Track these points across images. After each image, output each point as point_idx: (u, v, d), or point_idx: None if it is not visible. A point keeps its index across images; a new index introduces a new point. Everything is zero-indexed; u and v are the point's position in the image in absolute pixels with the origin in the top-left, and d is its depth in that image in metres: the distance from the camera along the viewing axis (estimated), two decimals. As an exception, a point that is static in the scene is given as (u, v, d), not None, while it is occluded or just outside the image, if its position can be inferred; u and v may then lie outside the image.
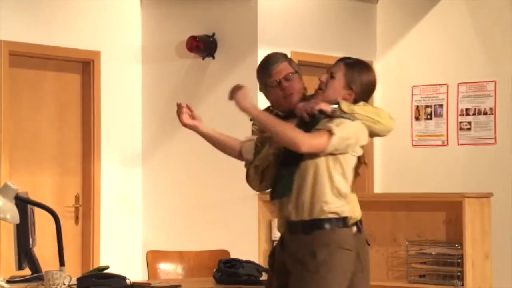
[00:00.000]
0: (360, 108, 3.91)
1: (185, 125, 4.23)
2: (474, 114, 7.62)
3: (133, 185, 7.53)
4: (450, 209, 6.09)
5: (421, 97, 7.88)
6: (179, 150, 7.36)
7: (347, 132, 3.81)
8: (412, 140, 7.92)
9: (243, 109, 3.88)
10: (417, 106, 7.90)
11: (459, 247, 5.93)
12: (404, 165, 7.92)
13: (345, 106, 3.88)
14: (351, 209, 3.88)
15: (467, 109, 7.66)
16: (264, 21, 7.16)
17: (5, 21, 6.72)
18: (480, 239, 6.02)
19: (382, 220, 6.36)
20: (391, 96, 8.04)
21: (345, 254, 3.81)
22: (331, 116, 3.85)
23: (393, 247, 6.32)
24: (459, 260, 5.92)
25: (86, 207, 7.26)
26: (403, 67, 8.00)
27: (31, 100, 7.02)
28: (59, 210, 5.43)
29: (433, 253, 6.07)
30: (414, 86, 7.93)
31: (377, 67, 8.11)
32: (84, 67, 7.33)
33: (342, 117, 3.83)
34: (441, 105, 7.79)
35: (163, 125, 7.50)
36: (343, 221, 3.83)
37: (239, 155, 4.18)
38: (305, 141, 3.78)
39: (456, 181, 7.56)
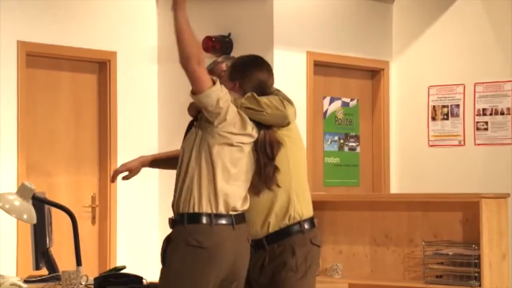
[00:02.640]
0: (246, 100, 3.90)
1: (124, 178, 4.27)
2: (491, 114, 7.59)
3: (150, 185, 7.53)
4: (467, 209, 6.06)
5: (438, 97, 7.86)
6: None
7: (226, 99, 3.79)
8: (428, 140, 7.89)
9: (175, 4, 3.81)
10: (434, 106, 7.88)
11: (476, 248, 5.90)
12: (421, 165, 7.89)
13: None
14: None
15: (484, 109, 7.63)
16: (280, 21, 7.15)
17: (22, 22, 6.74)
18: (497, 240, 5.99)
19: (399, 221, 6.34)
20: (407, 96, 8.02)
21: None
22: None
23: (409, 247, 6.30)
24: (476, 261, 5.90)
25: (102, 207, 7.27)
26: (420, 67, 7.98)
27: (47, 100, 7.04)
28: (75, 210, 5.44)
29: (450, 253, 6.04)
30: (430, 86, 7.90)
31: (393, 67, 8.10)
32: (101, 67, 7.34)
33: None
34: (457, 105, 7.76)
35: (179, 125, 7.46)
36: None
37: None
38: (195, 64, 3.72)
39: (472, 181, 7.53)
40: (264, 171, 3.88)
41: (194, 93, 3.77)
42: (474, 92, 7.68)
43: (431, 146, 7.88)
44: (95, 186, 7.28)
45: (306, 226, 3.94)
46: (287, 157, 3.96)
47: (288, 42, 7.11)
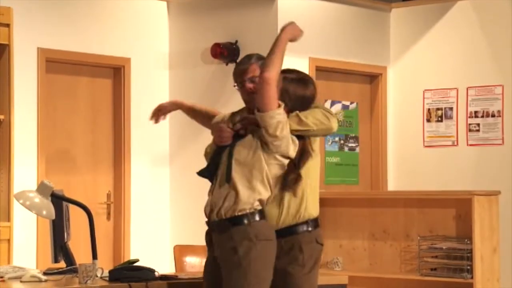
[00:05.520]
0: (292, 121, 3.83)
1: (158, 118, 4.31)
2: (482, 117, 7.58)
3: (161, 184, 7.55)
4: (460, 206, 6.05)
5: (432, 100, 7.85)
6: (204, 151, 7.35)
7: (287, 129, 3.76)
8: (424, 141, 7.89)
9: (283, 37, 3.93)
10: (429, 109, 7.87)
11: (468, 242, 5.89)
12: (416, 165, 7.89)
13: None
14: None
15: (476, 112, 7.62)
16: (284, 29, 7.14)
17: (42, 30, 6.76)
18: (488, 234, 5.98)
19: (396, 217, 6.34)
20: (404, 100, 8.02)
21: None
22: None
23: (406, 242, 6.29)
24: (468, 254, 5.89)
25: (117, 204, 7.28)
26: (415, 72, 7.97)
27: (66, 103, 7.06)
28: (92, 206, 5.45)
29: (444, 247, 6.03)
30: (425, 90, 7.90)
31: (391, 72, 8.10)
32: (115, 73, 7.35)
33: None
34: (451, 108, 7.75)
35: (189, 127, 7.48)
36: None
37: None
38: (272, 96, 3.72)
39: (465, 180, 7.52)
40: (287, 177, 3.84)
41: (259, 110, 3.74)
42: (467, 95, 7.67)
43: (426, 146, 7.88)
44: (110, 184, 7.29)
45: (313, 225, 3.92)
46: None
47: (291, 48, 7.02)
